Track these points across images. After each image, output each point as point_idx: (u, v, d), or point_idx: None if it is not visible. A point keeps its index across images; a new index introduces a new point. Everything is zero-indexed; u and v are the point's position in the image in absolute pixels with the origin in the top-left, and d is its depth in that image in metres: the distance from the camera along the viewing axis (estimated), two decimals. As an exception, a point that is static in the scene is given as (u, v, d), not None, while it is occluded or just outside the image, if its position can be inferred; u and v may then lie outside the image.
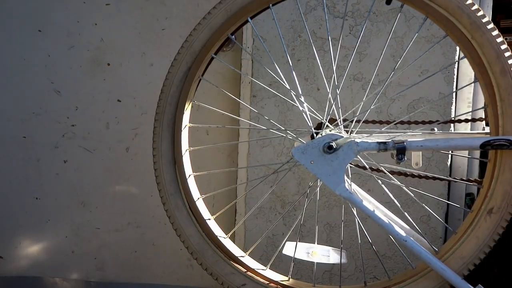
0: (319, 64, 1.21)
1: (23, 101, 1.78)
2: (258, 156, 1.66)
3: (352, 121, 1.07)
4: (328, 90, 1.07)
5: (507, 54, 0.89)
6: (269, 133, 1.61)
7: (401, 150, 0.94)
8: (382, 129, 1.09)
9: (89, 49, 1.74)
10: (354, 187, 1.08)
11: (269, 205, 1.67)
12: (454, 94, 1.55)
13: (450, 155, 1.56)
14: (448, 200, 1.57)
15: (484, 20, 0.92)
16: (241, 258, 1.08)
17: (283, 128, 1.25)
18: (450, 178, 1.28)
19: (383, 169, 1.04)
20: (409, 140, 0.95)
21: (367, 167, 1.06)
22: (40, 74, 1.77)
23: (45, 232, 1.84)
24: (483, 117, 1.52)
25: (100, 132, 1.78)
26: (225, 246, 1.09)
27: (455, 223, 1.60)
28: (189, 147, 1.12)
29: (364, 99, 1.14)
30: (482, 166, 1.60)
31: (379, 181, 1.06)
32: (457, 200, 1.61)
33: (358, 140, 0.98)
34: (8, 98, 1.79)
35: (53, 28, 1.75)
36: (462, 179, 1.13)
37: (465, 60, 0.97)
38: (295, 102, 1.08)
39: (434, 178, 1.18)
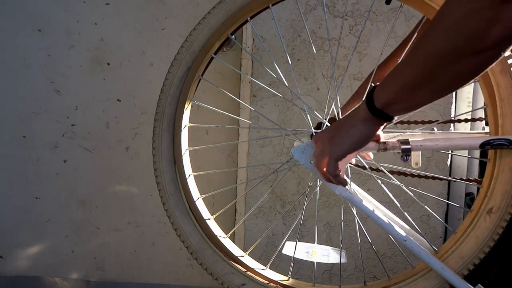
0: (319, 64, 1.21)
1: (23, 101, 1.78)
2: (258, 156, 1.66)
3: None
4: (328, 90, 1.07)
5: (506, 53, 0.89)
6: (269, 133, 1.61)
7: (406, 150, 0.94)
8: (382, 129, 1.08)
9: (89, 49, 1.75)
10: (354, 187, 1.08)
11: (269, 205, 1.67)
12: (454, 93, 1.55)
13: (450, 155, 1.56)
14: (448, 200, 1.57)
15: (484, 19, 0.91)
16: (241, 258, 1.08)
17: (283, 128, 1.25)
18: (450, 178, 1.28)
19: (382, 168, 1.04)
20: (410, 139, 0.95)
21: (367, 166, 1.06)
22: (40, 73, 1.77)
23: (45, 231, 1.84)
24: (483, 116, 1.52)
25: (100, 132, 1.78)
26: (225, 246, 1.09)
27: (455, 222, 1.61)
28: (189, 147, 1.12)
29: (363, 98, 1.14)
30: (482, 166, 1.60)
31: (379, 181, 1.06)
32: (457, 199, 1.61)
33: (357, 140, 0.98)
34: (8, 98, 1.79)
35: (53, 28, 1.75)
36: (461, 179, 1.13)
37: (465, 59, 0.96)
38: (295, 102, 1.08)
39: (434, 178, 1.18)
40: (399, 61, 0.72)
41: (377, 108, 0.77)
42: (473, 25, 0.59)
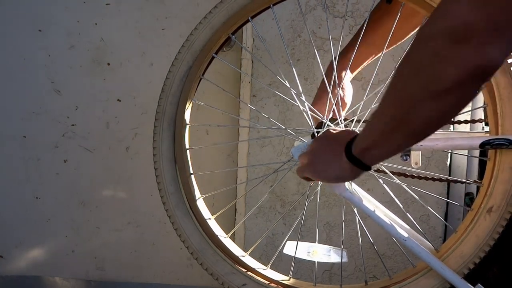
0: (319, 64, 1.21)
1: (23, 101, 1.78)
2: (258, 156, 1.66)
3: (352, 121, 1.07)
4: (329, 90, 1.07)
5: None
6: (269, 133, 1.61)
7: (406, 150, 0.94)
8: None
9: (89, 49, 1.74)
10: (355, 187, 1.08)
11: (269, 205, 1.67)
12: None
13: (449, 155, 1.56)
14: (447, 200, 1.57)
15: (484, 19, 0.92)
16: (241, 258, 1.08)
17: (284, 127, 1.25)
18: (451, 179, 1.28)
19: (384, 168, 1.05)
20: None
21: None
22: (40, 73, 1.76)
23: (45, 231, 1.84)
24: (483, 116, 1.52)
25: (100, 132, 1.77)
26: (225, 246, 1.09)
27: (454, 222, 1.61)
28: (189, 146, 1.12)
29: (364, 98, 1.14)
30: (482, 166, 1.60)
31: (380, 180, 1.06)
32: (457, 199, 1.61)
33: (358, 140, 0.98)
34: (8, 98, 1.79)
35: (53, 28, 1.74)
36: (462, 181, 1.14)
37: (465, 59, 0.96)
38: (295, 102, 1.08)
39: (434, 179, 1.19)
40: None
41: (353, 155, 0.76)
42: (430, 68, 0.57)
